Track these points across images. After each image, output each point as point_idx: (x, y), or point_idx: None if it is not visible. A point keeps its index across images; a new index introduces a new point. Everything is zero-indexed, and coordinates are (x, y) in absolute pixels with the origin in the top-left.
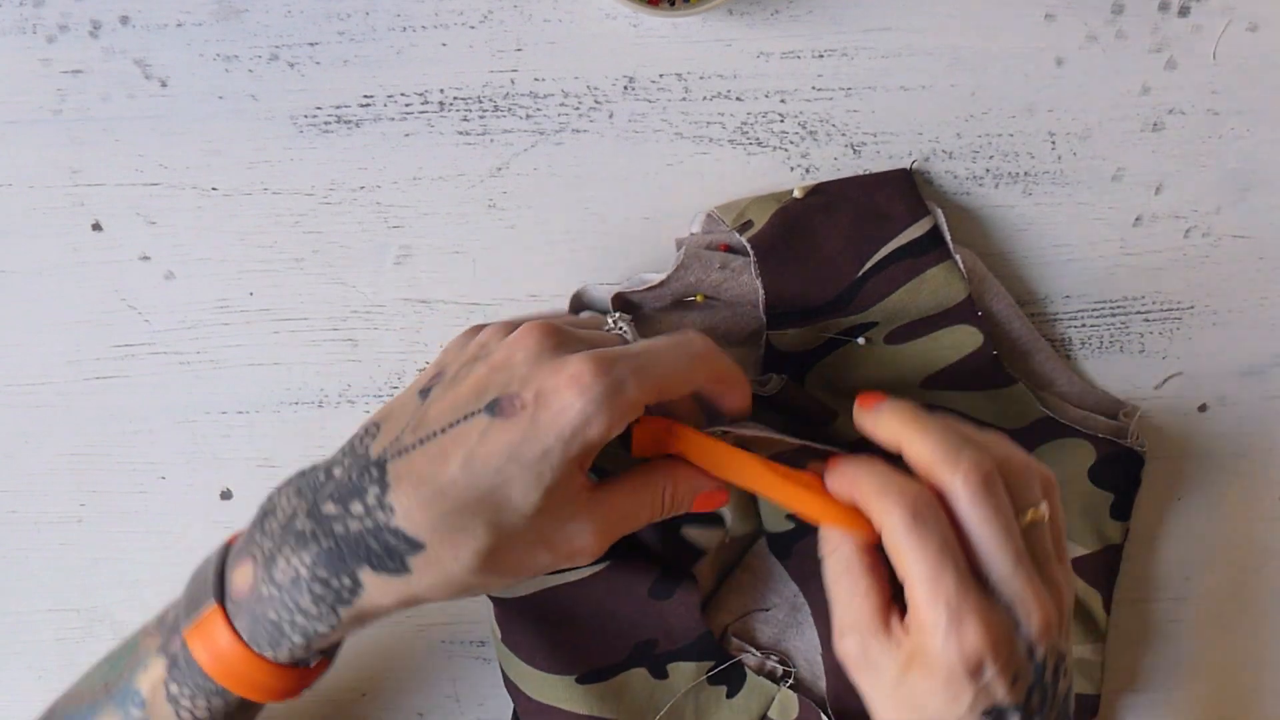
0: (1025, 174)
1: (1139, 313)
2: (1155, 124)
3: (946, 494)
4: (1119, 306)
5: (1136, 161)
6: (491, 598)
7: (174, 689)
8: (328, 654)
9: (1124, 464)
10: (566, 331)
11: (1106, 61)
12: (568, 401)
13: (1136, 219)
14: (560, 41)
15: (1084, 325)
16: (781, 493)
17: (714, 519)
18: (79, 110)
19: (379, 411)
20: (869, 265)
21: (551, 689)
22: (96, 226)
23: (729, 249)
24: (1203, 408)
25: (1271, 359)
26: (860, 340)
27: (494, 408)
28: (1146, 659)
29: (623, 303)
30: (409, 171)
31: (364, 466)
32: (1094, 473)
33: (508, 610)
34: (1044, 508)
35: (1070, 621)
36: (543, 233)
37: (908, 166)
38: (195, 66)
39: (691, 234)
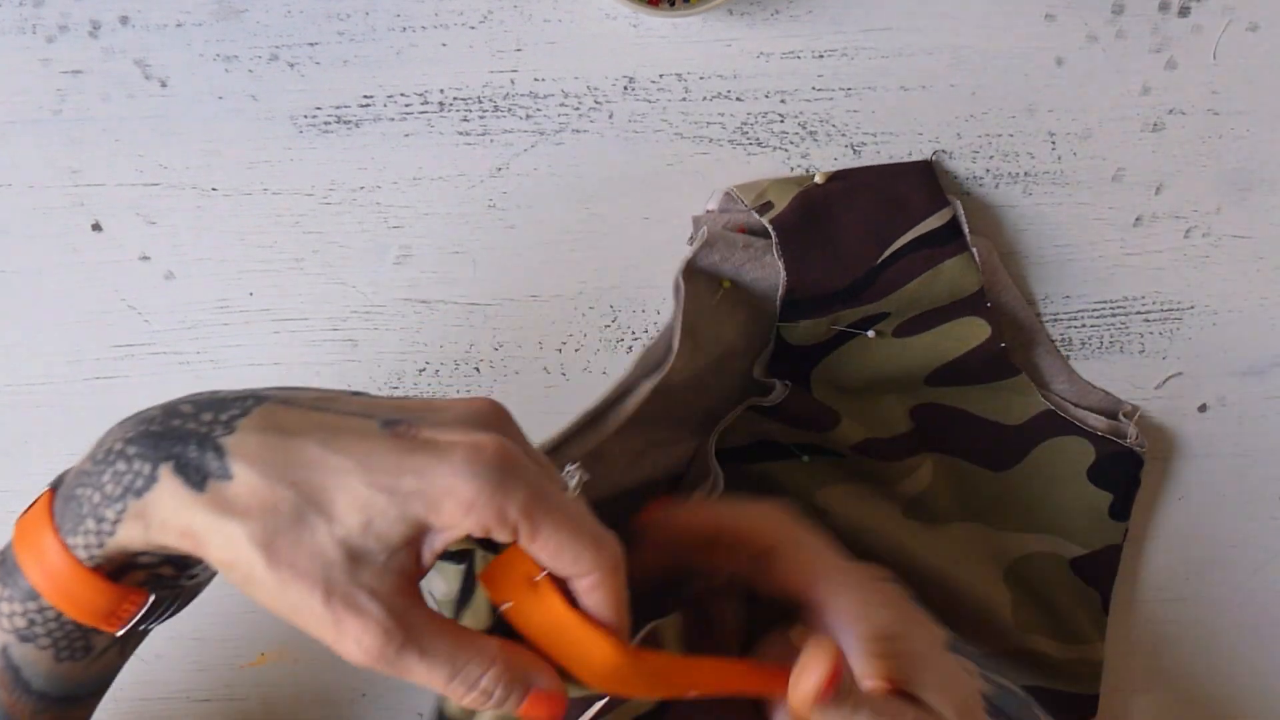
0: (1025, 174)
1: (1139, 313)
2: (1155, 124)
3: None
4: (1119, 306)
5: (1136, 161)
6: None
7: (0, 591)
8: (150, 587)
9: (1123, 464)
10: (517, 428)
11: (1106, 61)
12: (450, 459)
13: (1136, 219)
14: (560, 41)
15: (1084, 325)
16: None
17: None
18: (79, 110)
19: None
20: (888, 253)
21: None
22: (96, 226)
23: (746, 231)
24: (1203, 408)
25: (1271, 359)
26: (870, 333)
27: (388, 424)
28: (1146, 659)
29: (697, 269)
30: (409, 171)
31: (247, 394)
32: (1093, 473)
33: None
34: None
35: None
36: (543, 233)
37: (929, 158)
38: (195, 66)
39: (708, 211)
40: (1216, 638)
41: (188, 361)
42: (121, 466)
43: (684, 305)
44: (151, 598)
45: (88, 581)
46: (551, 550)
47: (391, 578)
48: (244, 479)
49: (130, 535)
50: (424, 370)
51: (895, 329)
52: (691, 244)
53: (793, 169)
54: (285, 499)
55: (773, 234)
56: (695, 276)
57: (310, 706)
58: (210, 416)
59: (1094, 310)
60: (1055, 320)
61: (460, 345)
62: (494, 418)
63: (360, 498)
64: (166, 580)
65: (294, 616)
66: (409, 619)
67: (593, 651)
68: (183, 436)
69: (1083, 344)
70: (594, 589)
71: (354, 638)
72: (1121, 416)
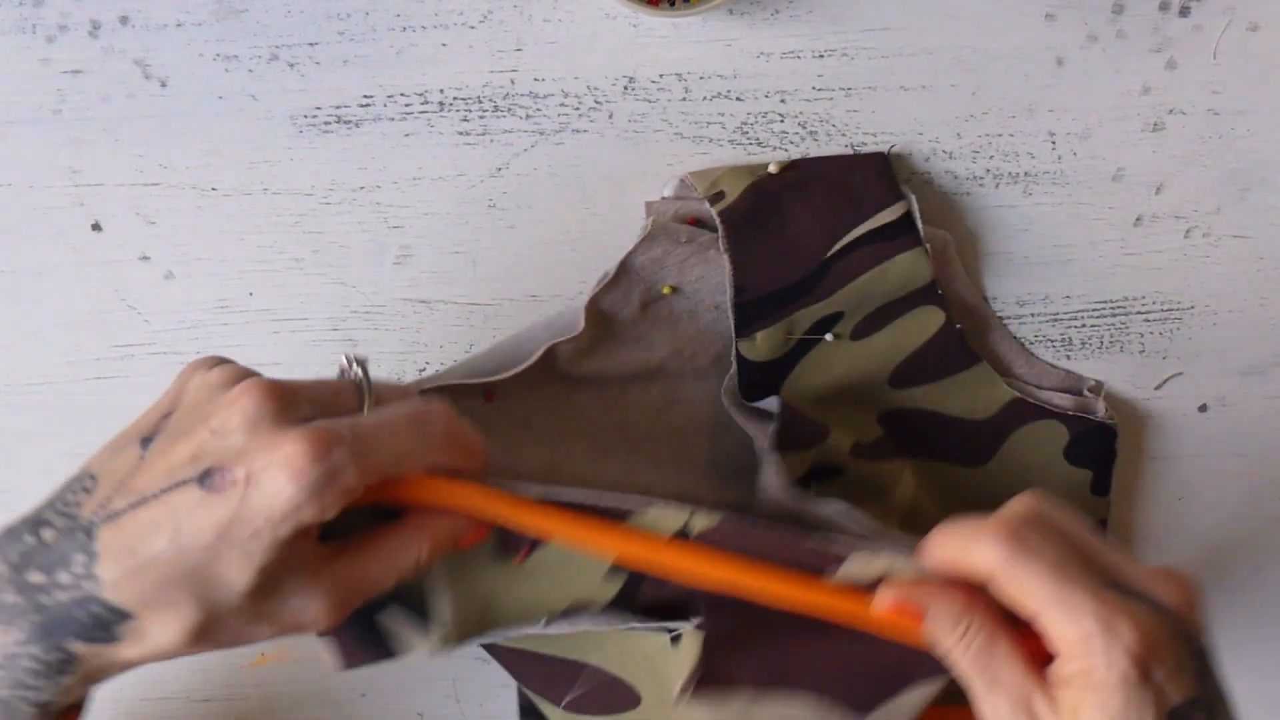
0: (1025, 174)
1: (1139, 313)
2: (1155, 124)
3: None
4: (1119, 306)
5: (1136, 161)
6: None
7: None
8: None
9: (1098, 439)
10: (290, 393)
11: (1107, 61)
12: (280, 485)
13: (1136, 219)
14: (560, 41)
15: (1084, 325)
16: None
17: (422, 618)
18: (79, 110)
19: (96, 457)
20: (837, 248)
21: None
22: (96, 226)
23: (697, 223)
24: (1203, 408)
25: (1271, 359)
26: (828, 337)
27: (205, 480)
28: None
29: (596, 310)
30: (409, 171)
31: (72, 530)
32: (1070, 453)
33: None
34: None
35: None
36: (543, 233)
37: (886, 151)
38: (195, 66)
39: (663, 198)
40: (1216, 637)
41: (187, 361)
42: (34, 665)
43: (602, 290)
44: (86, 704)
45: None
46: (398, 473)
47: (304, 568)
48: (142, 610)
49: (81, 693)
50: (424, 370)
51: (852, 330)
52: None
53: None
54: (184, 602)
55: (719, 226)
56: (632, 277)
57: (310, 706)
58: (68, 578)
59: (1094, 310)
60: (1055, 320)
61: (460, 345)
62: (272, 402)
63: (237, 558)
64: (84, 695)
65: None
66: (339, 578)
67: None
68: (66, 611)
69: (1083, 344)
70: (458, 466)
71: (313, 626)
72: (1087, 392)
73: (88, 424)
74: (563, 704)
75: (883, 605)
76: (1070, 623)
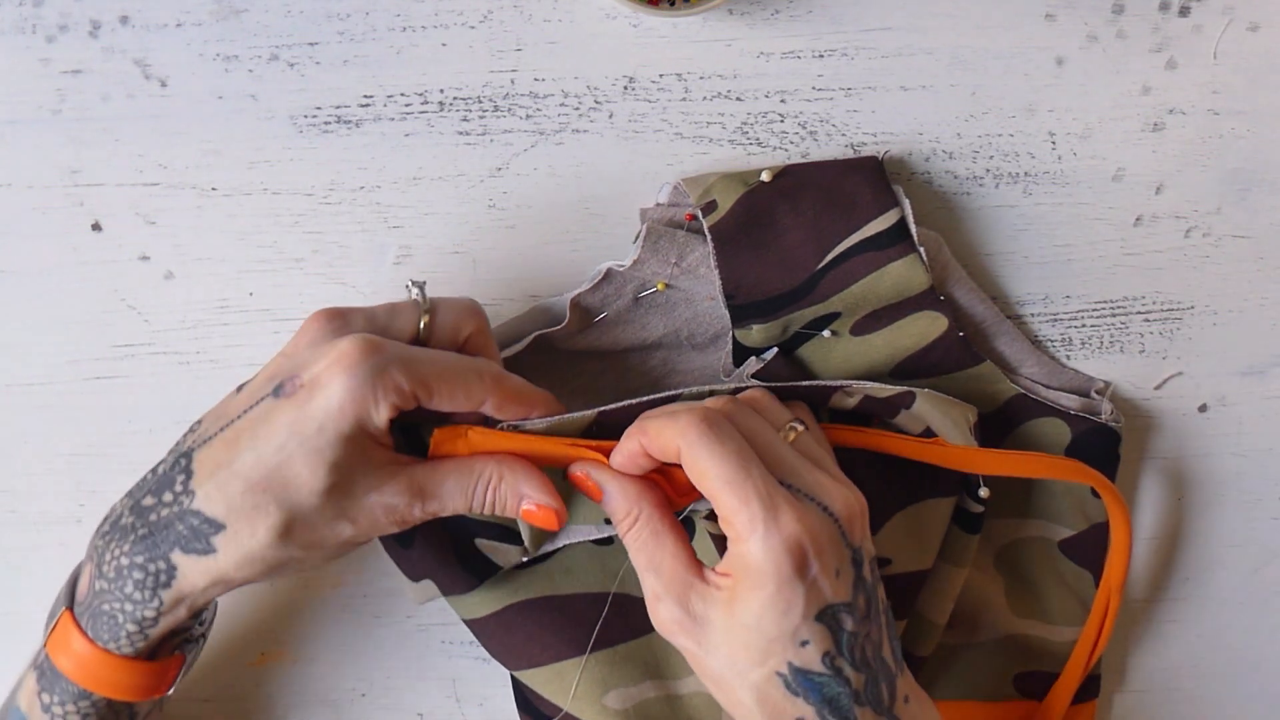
0: (1025, 174)
1: (1139, 313)
2: (1155, 124)
3: None
4: (1119, 306)
5: (1136, 161)
6: (465, 621)
7: (46, 699)
8: (180, 649)
9: (1101, 441)
10: (351, 315)
11: (1106, 61)
12: (335, 378)
13: (1136, 219)
14: (560, 41)
15: (1084, 325)
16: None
17: (512, 536)
18: (79, 110)
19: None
20: (830, 258)
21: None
22: (96, 226)
23: (695, 218)
24: (1203, 408)
25: (1271, 359)
26: (826, 334)
27: (278, 391)
28: (1145, 659)
29: (582, 307)
30: (409, 171)
31: (176, 458)
32: (1071, 452)
33: (479, 630)
34: (799, 424)
35: (867, 523)
36: (543, 233)
37: (880, 155)
38: (195, 66)
39: (658, 204)
40: (1216, 638)
41: (188, 362)
42: (139, 575)
43: (592, 288)
44: (187, 658)
45: (137, 671)
46: (447, 398)
47: (378, 471)
48: (231, 517)
49: (176, 617)
50: None
51: (851, 328)
52: (635, 242)
53: None
54: (268, 504)
55: (709, 242)
56: (622, 278)
57: (310, 706)
58: (170, 496)
59: (1094, 310)
60: (1055, 320)
61: None
62: (333, 321)
63: (308, 455)
64: (184, 633)
65: (348, 549)
66: (417, 482)
67: (505, 447)
68: (168, 524)
69: (1083, 344)
70: (499, 409)
71: (392, 527)
72: (1094, 394)
73: (88, 424)
74: (589, 649)
75: (572, 475)
76: (739, 506)
